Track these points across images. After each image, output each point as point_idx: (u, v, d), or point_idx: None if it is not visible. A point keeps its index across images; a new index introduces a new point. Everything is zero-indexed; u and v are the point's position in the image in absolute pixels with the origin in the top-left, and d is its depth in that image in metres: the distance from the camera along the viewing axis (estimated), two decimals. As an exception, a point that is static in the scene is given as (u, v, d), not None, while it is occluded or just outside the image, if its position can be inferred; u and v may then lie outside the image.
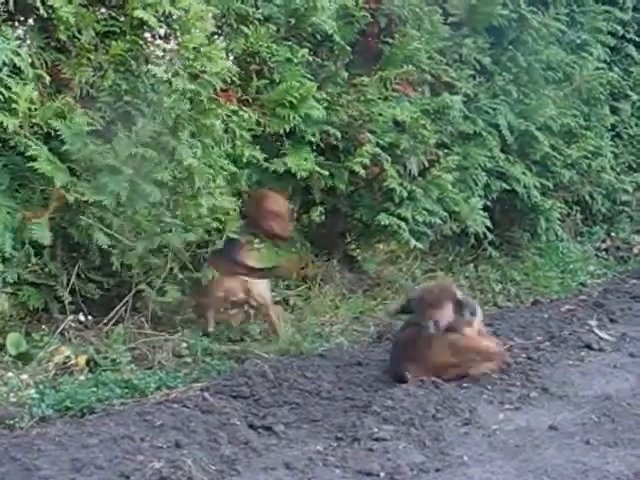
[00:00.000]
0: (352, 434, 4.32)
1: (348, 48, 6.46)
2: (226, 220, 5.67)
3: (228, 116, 5.61)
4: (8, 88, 4.45)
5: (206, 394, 4.67)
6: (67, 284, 5.31)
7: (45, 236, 4.87)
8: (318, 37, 6.30)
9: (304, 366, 5.26)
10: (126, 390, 4.78)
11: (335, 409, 4.67)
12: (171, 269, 5.67)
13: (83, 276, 5.45)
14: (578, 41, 8.75)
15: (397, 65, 6.71)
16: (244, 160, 5.79)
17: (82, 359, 5.01)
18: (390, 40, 6.72)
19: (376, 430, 4.37)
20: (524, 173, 7.92)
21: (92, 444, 3.95)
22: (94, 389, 4.68)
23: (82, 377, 4.86)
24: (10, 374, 4.65)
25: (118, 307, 5.51)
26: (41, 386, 4.62)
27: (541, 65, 8.02)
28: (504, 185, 7.82)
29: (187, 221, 5.48)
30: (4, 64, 4.37)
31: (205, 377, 5.12)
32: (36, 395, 4.50)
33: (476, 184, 7.46)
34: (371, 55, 6.79)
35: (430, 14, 6.99)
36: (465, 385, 5.16)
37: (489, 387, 5.15)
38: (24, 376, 4.61)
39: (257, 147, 5.87)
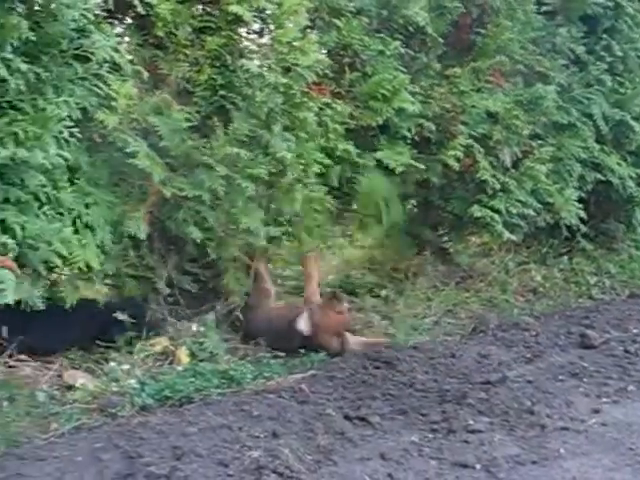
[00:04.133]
0: (447, 426, 4.32)
1: (440, 40, 6.42)
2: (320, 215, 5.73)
3: (321, 109, 5.64)
4: (108, 85, 4.53)
5: (302, 385, 4.72)
6: (164, 277, 5.41)
7: (140, 230, 4.96)
8: (410, 29, 6.27)
9: (398, 358, 5.27)
10: (223, 380, 4.85)
11: (430, 401, 4.67)
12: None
13: (180, 269, 5.54)
14: (676, 28, 8.55)
15: (490, 56, 6.67)
16: (337, 154, 5.82)
17: (183, 353, 5.10)
18: (482, 31, 6.67)
19: (471, 422, 4.36)
20: (619, 164, 7.79)
21: (191, 433, 4.04)
22: (192, 379, 4.76)
23: (180, 368, 4.94)
24: (112, 364, 4.76)
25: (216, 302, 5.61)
26: (141, 376, 4.73)
27: (637, 53, 7.87)
28: (599, 176, 7.69)
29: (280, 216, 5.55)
30: (104, 61, 4.44)
31: (300, 368, 5.17)
32: (137, 385, 4.61)
33: (570, 175, 7.36)
34: (463, 46, 6.75)
35: (523, 4, 6.91)
36: (561, 378, 5.12)
37: (585, 380, 5.10)
38: (125, 366, 4.71)
39: (350, 141, 5.90)
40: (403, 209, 6.49)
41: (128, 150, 4.79)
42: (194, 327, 5.32)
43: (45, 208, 4.36)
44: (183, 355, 5.12)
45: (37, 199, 4.34)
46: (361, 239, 6.51)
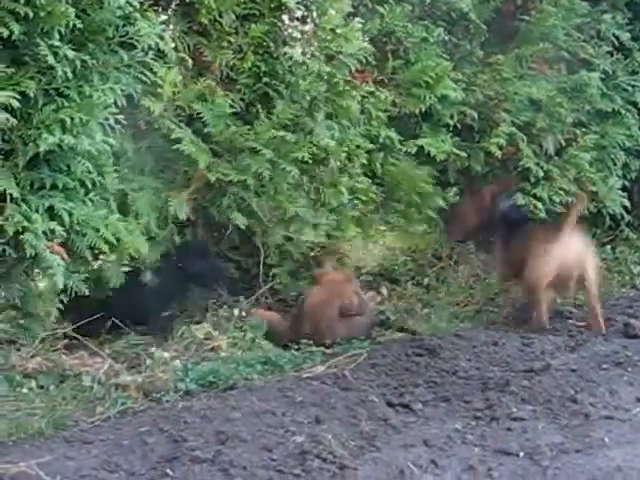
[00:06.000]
0: (490, 413, 4.31)
1: (483, 26, 6.37)
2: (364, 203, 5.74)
3: (364, 97, 5.64)
4: (153, 72, 4.55)
5: (345, 371, 4.74)
6: (208, 263, 5.44)
7: (182, 211, 4.99)
8: (454, 16, 6.26)
9: (440, 345, 5.26)
10: (266, 367, 4.88)
11: (472, 388, 4.66)
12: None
13: (222, 255, 5.57)
14: None
15: (533, 43, 6.60)
16: (380, 141, 5.81)
17: (225, 340, 5.13)
18: (526, 17, 6.61)
19: (514, 410, 4.35)
20: (664, 152, 7.70)
21: (235, 418, 4.06)
22: (235, 365, 4.79)
23: (223, 354, 4.97)
24: (156, 349, 4.80)
25: (262, 290, 5.64)
26: (185, 361, 4.76)
27: (683, 40, 7.77)
28: (643, 164, 7.63)
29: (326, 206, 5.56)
30: (150, 48, 4.46)
31: (343, 355, 5.18)
32: (180, 370, 4.64)
33: (614, 163, 7.28)
34: (507, 33, 6.68)
35: (568, -10, 6.86)
36: (605, 367, 5.09)
37: (629, 369, 5.06)
38: (170, 352, 4.74)
39: (392, 128, 5.89)
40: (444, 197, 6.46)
41: (173, 137, 4.82)
42: (236, 314, 5.33)
43: (91, 194, 4.40)
44: (224, 342, 5.15)
45: (83, 185, 4.39)
46: (403, 226, 6.48)
